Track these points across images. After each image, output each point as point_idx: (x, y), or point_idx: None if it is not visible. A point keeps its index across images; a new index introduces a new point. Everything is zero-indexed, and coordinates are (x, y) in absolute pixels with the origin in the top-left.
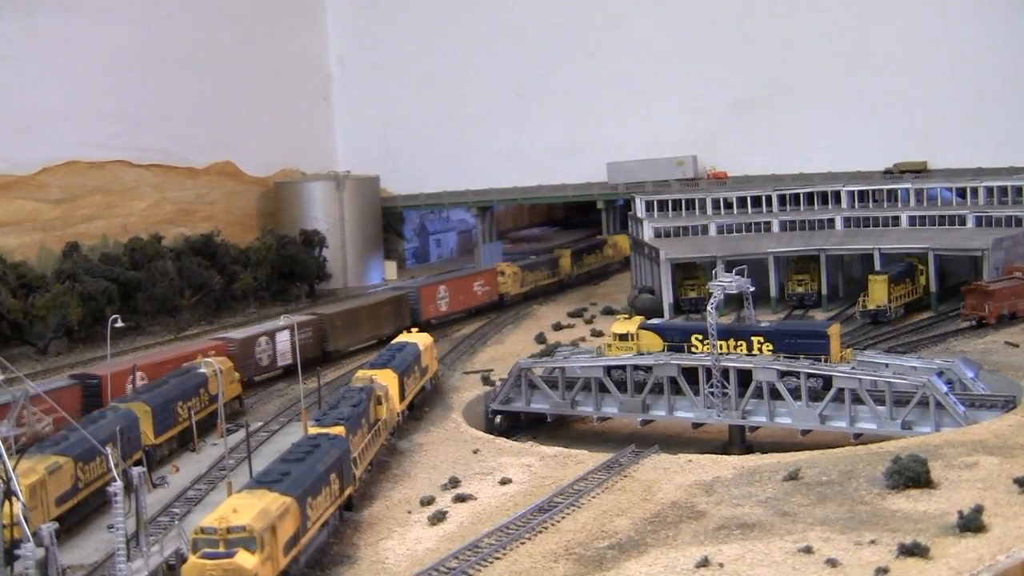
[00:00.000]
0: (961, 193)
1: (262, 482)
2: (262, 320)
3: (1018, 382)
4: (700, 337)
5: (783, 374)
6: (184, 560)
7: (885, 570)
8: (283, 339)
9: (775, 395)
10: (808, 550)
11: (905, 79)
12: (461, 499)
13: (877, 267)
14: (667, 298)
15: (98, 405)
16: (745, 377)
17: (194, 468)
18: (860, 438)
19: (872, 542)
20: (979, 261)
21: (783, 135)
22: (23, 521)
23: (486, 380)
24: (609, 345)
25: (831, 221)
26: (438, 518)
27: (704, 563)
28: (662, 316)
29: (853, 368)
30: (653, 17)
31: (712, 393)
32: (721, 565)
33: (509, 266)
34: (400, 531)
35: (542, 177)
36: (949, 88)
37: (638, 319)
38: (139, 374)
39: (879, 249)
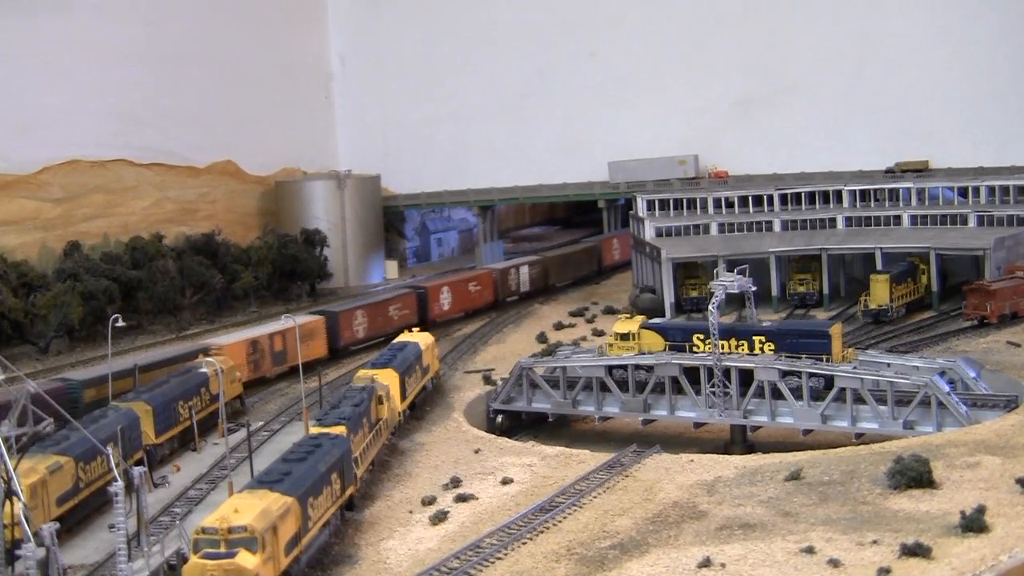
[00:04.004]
0: (963, 192)
1: (263, 482)
2: (264, 319)
3: (1020, 382)
4: (702, 336)
5: (785, 374)
6: (185, 560)
7: (887, 570)
8: (524, 271)
9: (777, 395)
10: (810, 550)
11: (906, 78)
12: (462, 499)
13: (879, 266)
14: (668, 297)
15: (427, 311)
16: (747, 377)
17: (195, 468)
18: (862, 438)
19: (874, 542)
20: (981, 260)
21: (784, 134)
22: (24, 521)
23: (487, 379)
24: (611, 344)
25: (833, 220)
26: (439, 518)
27: (706, 563)
28: (663, 315)
29: (855, 368)
30: (654, 16)
31: (714, 393)
32: (723, 565)
33: None
34: (401, 531)
35: (543, 176)
36: (950, 87)
37: (639, 318)
38: (445, 289)
39: (881, 248)
